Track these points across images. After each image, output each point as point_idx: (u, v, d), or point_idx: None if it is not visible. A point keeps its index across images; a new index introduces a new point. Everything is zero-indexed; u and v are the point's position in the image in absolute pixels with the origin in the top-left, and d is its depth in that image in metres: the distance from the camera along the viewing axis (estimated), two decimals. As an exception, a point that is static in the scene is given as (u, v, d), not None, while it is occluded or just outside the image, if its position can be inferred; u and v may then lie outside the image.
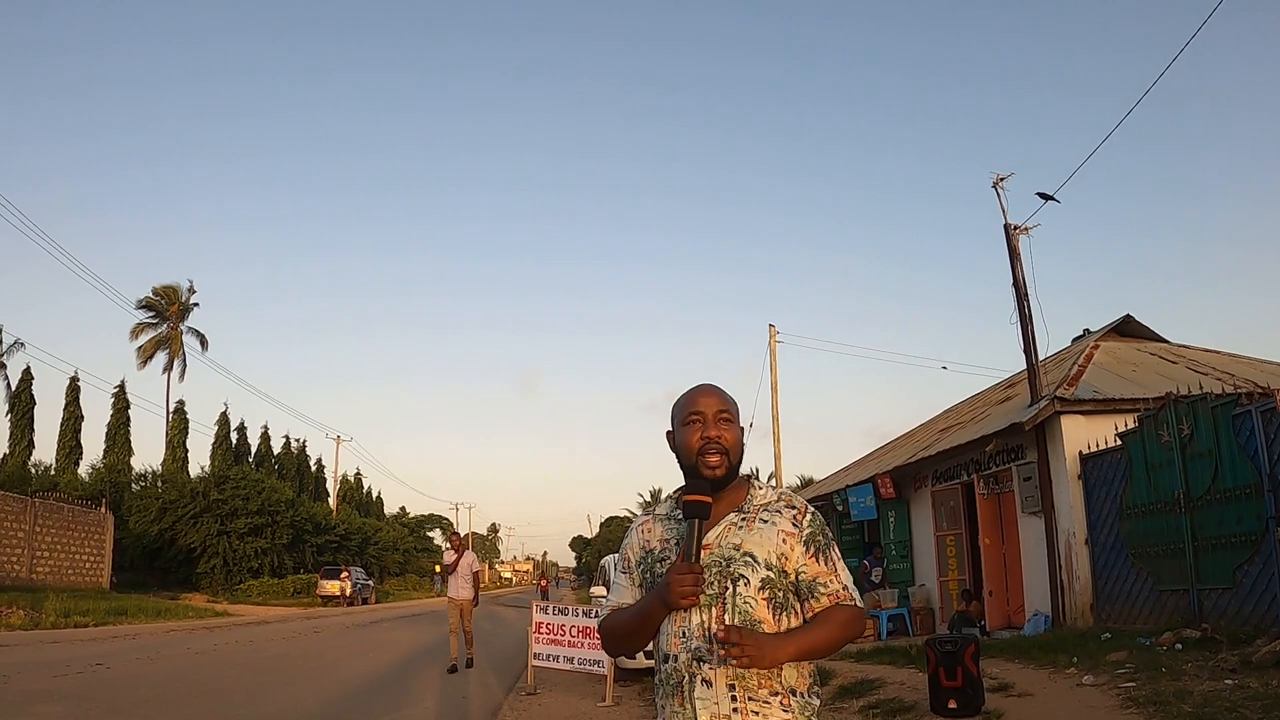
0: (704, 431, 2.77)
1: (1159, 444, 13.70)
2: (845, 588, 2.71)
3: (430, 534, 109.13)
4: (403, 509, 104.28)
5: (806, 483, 52.67)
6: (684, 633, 2.67)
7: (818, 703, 2.71)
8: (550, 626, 13.70)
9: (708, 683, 2.60)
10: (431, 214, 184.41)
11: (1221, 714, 7.94)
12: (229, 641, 23.27)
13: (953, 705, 9.72)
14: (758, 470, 59.94)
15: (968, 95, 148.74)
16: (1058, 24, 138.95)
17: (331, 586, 50.94)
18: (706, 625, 2.63)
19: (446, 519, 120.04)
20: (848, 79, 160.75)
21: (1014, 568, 18.17)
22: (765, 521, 2.73)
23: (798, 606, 2.71)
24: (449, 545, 18.54)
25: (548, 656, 13.62)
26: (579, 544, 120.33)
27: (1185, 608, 13.06)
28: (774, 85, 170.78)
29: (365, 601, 54.24)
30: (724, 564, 2.67)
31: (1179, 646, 11.35)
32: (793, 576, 2.70)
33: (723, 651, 2.50)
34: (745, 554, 2.67)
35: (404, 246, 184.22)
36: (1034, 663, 12.15)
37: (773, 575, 2.67)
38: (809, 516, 2.78)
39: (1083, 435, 15.76)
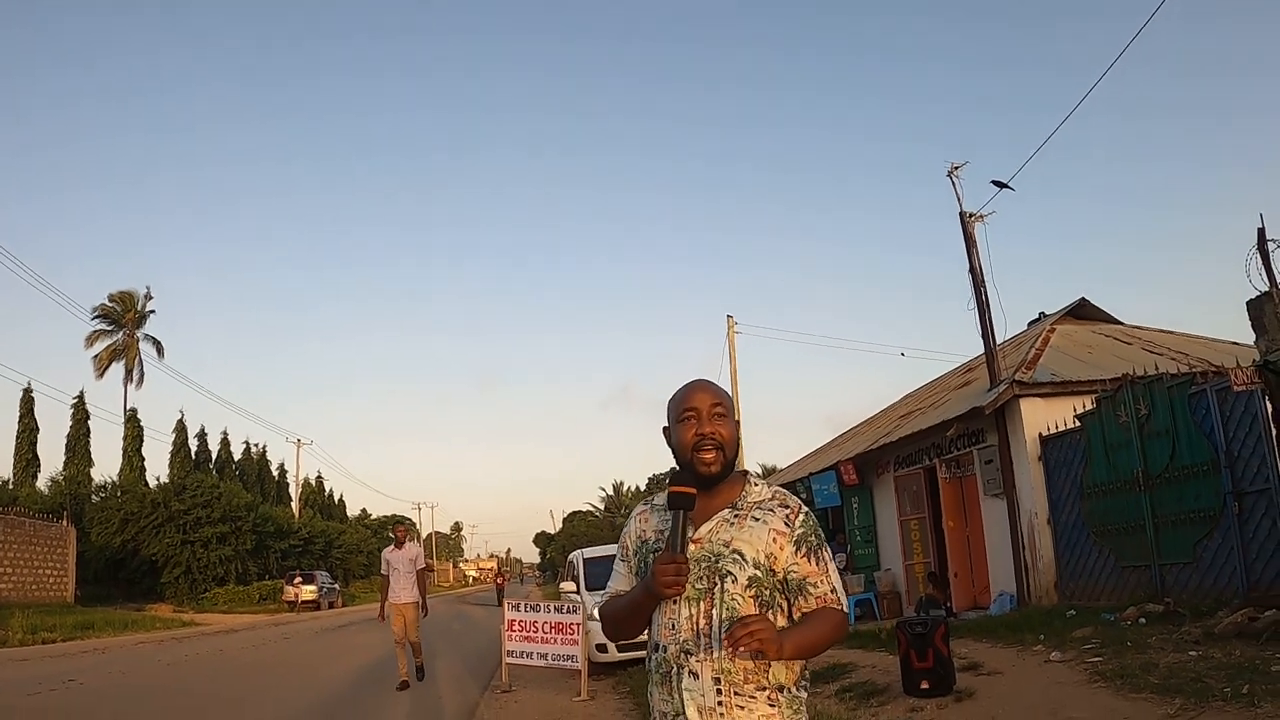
0: (699, 428, 2.79)
1: (1117, 424, 13.93)
2: (834, 590, 2.72)
3: (393, 535, 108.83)
4: (365, 511, 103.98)
5: (770, 471, 52.79)
6: (673, 625, 2.72)
7: (805, 695, 2.76)
8: (523, 624, 13.74)
9: (694, 674, 2.66)
10: (387, 216, 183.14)
11: (1187, 684, 8.13)
12: (199, 651, 23.16)
13: (925, 685, 9.88)
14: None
15: (923, 78, 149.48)
16: (1012, 3, 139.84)
17: (306, 592, 50.67)
18: (695, 619, 2.69)
19: (409, 519, 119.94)
20: (804, 63, 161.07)
21: (978, 549, 18.39)
22: (757, 520, 2.75)
23: (784, 605, 2.74)
24: (391, 536, 16.31)
25: (521, 654, 13.66)
26: (542, 540, 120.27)
27: (1147, 583, 13.31)
28: (728, 71, 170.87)
29: (332, 606, 54.01)
30: (713, 560, 2.71)
31: (1143, 621, 11.59)
32: (781, 575, 2.72)
33: (731, 640, 2.46)
34: (734, 551, 2.70)
35: (360, 249, 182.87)
36: (1001, 641, 12.36)
37: (760, 574, 2.69)
38: (802, 516, 2.77)
39: (1042, 417, 15.98)
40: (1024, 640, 11.99)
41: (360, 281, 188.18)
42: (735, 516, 2.77)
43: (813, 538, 2.75)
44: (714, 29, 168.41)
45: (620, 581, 3.04)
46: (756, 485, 2.87)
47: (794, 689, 2.71)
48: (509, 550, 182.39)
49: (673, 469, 2.96)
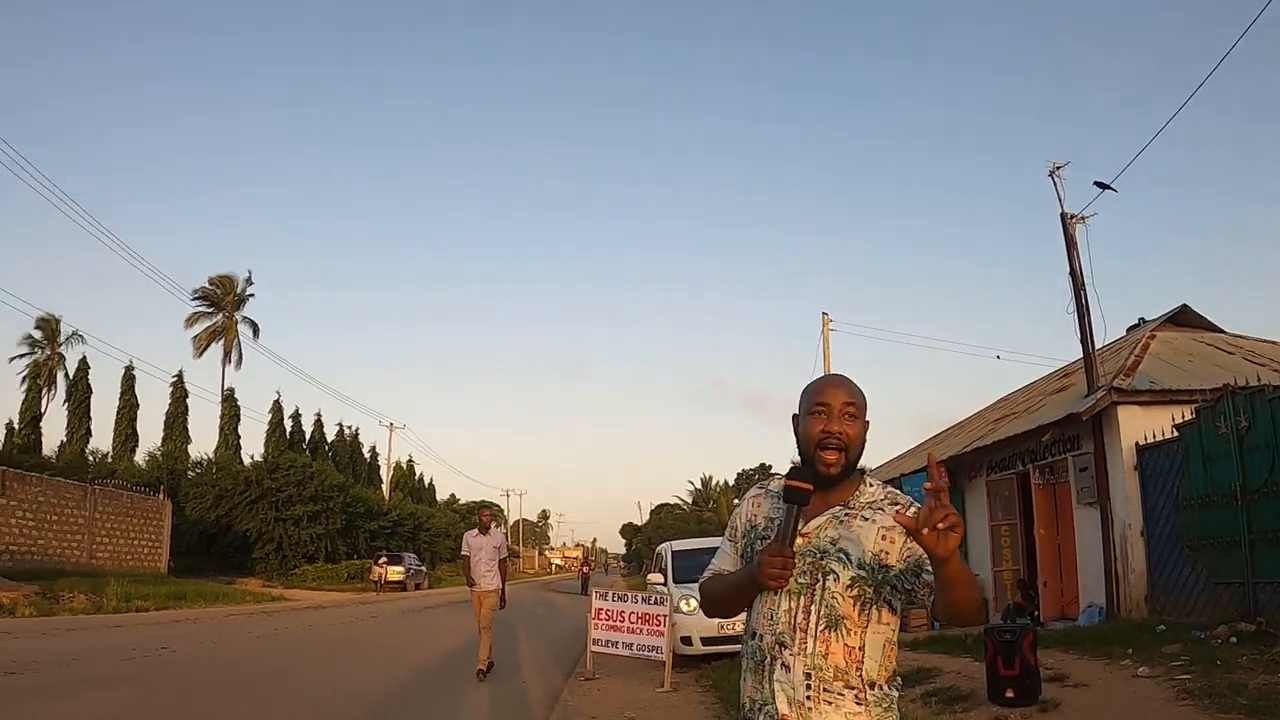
0: (826, 425, 2.78)
1: (1216, 436, 13.65)
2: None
3: (478, 520, 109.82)
4: (453, 495, 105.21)
5: (859, 471, 52.45)
6: (771, 615, 2.73)
7: (896, 694, 2.73)
8: (609, 613, 13.86)
9: (787, 667, 2.67)
10: (483, 202, 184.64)
11: (1276, 707, 8.00)
12: (288, 626, 23.64)
13: (1010, 694, 9.80)
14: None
15: (1025, 82, 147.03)
16: (1118, 6, 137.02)
17: (393, 572, 51.34)
18: (793, 613, 2.69)
19: (495, 504, 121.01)
20: (906, 62, 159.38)
21: (1069, 559, 18.13)
22: (866, 519, 2.73)
23: (895, 603, 2.70)
24: (478, 520, 15.29)
25: (606, 642, 13.78)
26: (629, 531, 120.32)
27: (1240, 601, 13.02)
28: (830, 72, 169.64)
29: (419, 587, 54.71)
30: (817, 555, 2.70)
31: (1234, 640, 11.35)
32: (898, 566, 2.66)
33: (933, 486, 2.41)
34: (840, 550, 2.69)
35: (455, 235, 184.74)
36: (1089, 654, 12.19)
37: (864, 574, 2.66)
38: (913, 509, 2.66)
39: (1139, 426, 15.70)
40: (1112, 654, 11.81)
41: (455, 268, 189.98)
42: (846, 515, 2.76)
43: None
44: (819, 29, 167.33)
45: (725, 560, 3.05)
46: (871, 486, 2.86)
47: (885, 686, 2.69)
48: (594, 540, 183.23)
49: (793, 462, 2.96)
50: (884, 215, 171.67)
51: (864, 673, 2.66)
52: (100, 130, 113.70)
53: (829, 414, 2.79)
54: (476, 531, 14.77)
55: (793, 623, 2.69)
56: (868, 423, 2.87)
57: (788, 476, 2.76)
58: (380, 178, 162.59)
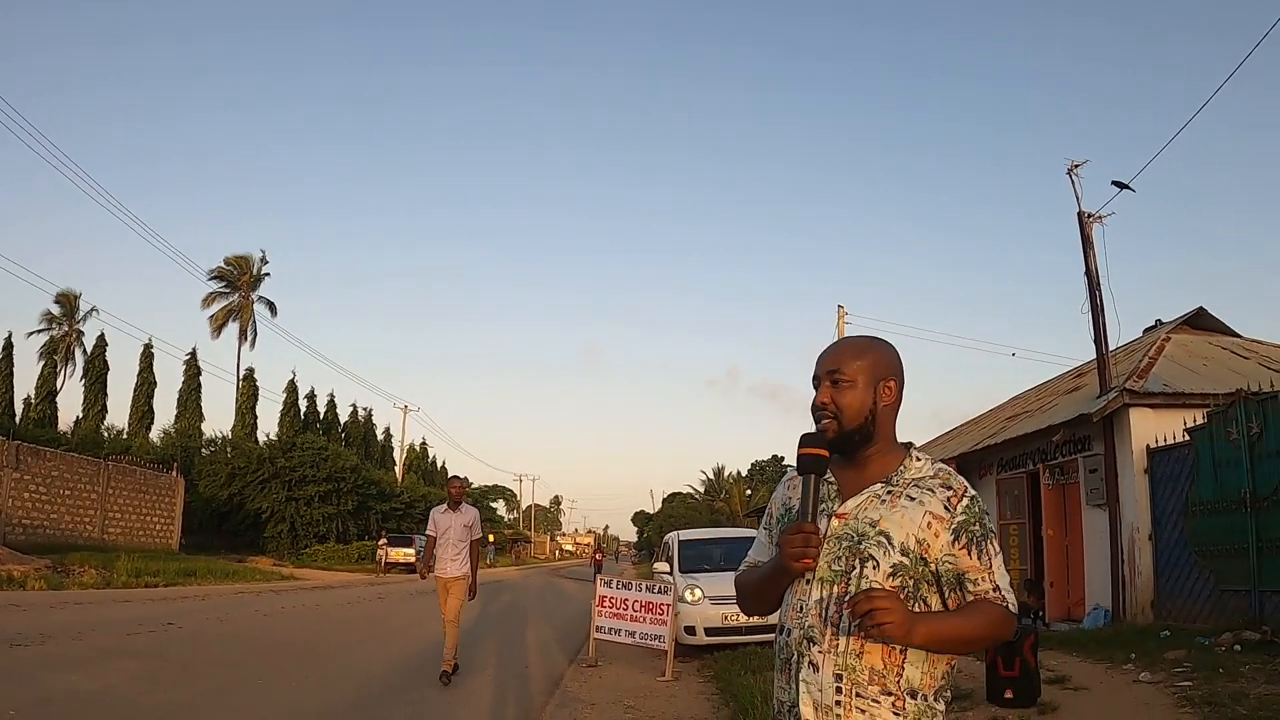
0: (818, 396, 2.60)
1: (1227, 441, 13.58)
2: (997, 588, 2.42)
3: (494, 505, 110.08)
4: (467, 479, 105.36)
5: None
6: (801, 607, 2.48)
7: (942, 707, 2.45)
8: (613, 600, 13.87)
9: (815, 666, 2.41)
10: (498, 191, 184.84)
11: (1277, 717, 7.96)
12: (296, 604, 23.73)
13: (1009, 695, 9.77)
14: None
15: (1046, 78, 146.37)
16: (1140, 4, 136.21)
17: (400, 554, 51.41)
18: (825, 604, 2.43)
19: (510, 489, 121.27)
20: (924, 53, 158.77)
21: (1076, 560, 18.10)
22: (913, 499, 2.46)
23: (931, 601, 2.46)
24: (447, 493, 12.83)
25: (610, 630, 13.79)
26: (641, 519, 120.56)
27: (1246, 609, 12.96)
28: (848, 67, 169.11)
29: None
30: (855, 540, 2.44)
31: (1238, 648, 11.32)
32: (934, 566, 2.43)
33: (856, 618, 2.29)
34: (880, 532, 2.42)
35: (470, 220, 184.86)
36: (1091, 657, 12.17)
37: (907, 562, 2.40)
38: (965, 501, 2.46)
39: (1151, 429, 15.64)
40: (1114, 657, 11.79)
41: (471, 250, 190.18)
42: (888, 493, 2.49)
43: (976, 526, 2.44)
44: (841, 34, 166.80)
45: (760, 551, 2.81)
46: (919, 460, 2.58)
47: (930, 697, 2.41)
48: (606, 527, 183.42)
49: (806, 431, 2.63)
50: (901, 211, 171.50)
51: (904, 679, 2.38)
52: (125, 115, 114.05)
53: (819, 385, 2.61)
54: (445, 507, 12.45)
55: (824, 615, 2.42)
56: (885, 386, 2.60)
57: (800, 444, 2.52)
58: (400, 163, 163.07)
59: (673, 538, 18.73)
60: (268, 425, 64.94)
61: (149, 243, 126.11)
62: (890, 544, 2.40)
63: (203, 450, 55.50)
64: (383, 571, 49.04)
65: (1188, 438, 14.59)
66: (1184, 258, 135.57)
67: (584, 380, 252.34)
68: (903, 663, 2.38)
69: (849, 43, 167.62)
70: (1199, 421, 14.40)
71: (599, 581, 14.41)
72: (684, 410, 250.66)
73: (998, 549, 2.48)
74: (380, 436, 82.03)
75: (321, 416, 71.76)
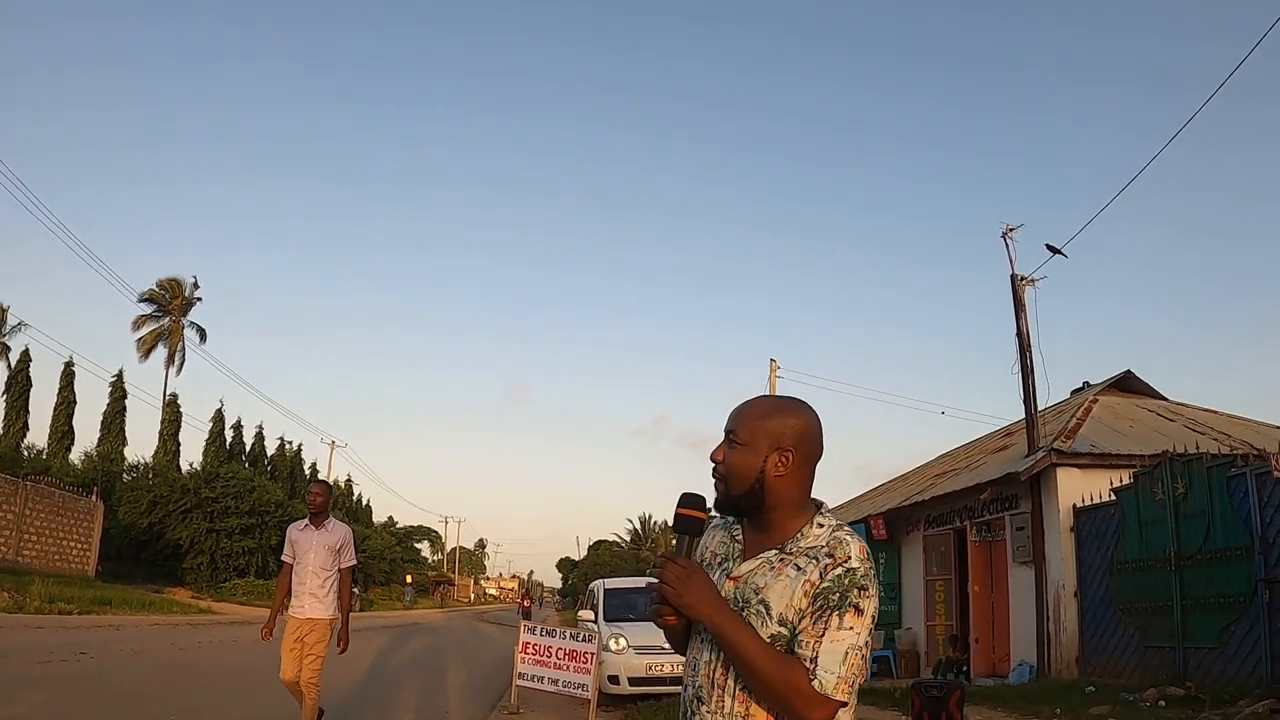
0: (714, 452, 2.49)
1: (1153, 501, 13.77)
2: (814, 661, 2.22)
3: (418, 545, 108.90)
4: (391, 519, 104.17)
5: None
6: (694, 666, 2.44)
7: None
8: (536, 647, 13.69)
9: None
10: (433, 220, 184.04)
11: (1201, 774, 7.99)
12: (213, 639, 23.25)
13: (935, 749, 9.76)
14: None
15: (983, 135, 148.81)
16: (1078, 68, 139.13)
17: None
18: (713, 665, 2.37)
19: (435, 531, 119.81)
20: (862, 107, 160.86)
21: (1001, 616, 18.20)
22: (799, 569, 2.32)
23: None
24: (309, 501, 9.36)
25: (532, 677, 13.60)
26: (566, 565, 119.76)
27: (1170, 665, 13.11)
28: (787, 108, 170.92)
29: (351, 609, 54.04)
30: (740, 606, 2.35)
31: (1162, 704, 11.41)
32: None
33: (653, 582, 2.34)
34: (762, 601, 2.32)
35: (407, 261, 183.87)
36: (1017, 712, 12.20)
37: (785, 633, 2.28)
38: (838, 571, 2.29)
39: (1077, 488, 15.84)
40: (1040, 712, 11.83)
41: (402, 295, 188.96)
42: (780, 560, 2.37)
43: (835, 595, 2.26)
44: (782, 66, 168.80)
45: None
46: (820, 527, 2.43)
47: None
48: (531, 572, 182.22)
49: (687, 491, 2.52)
50: (835, 269, 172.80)
51: None
52: (52, 114, 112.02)
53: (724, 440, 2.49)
54: (305, 522, 9.34)
55: (711, 677, 2.37)
56: (782, 455, 2.42)
57: (678, 503, 2.47)
58: (338, 203, 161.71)
59: (598, 586, 18.61)
60: (191, 454, 64.02)
61: (80, 258, 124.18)
62: (768, 614, 2.30)
63: (124, 476, 54.30)
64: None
65: (1114, 497, 14.79)
66: (1113, 320, 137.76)
67: (511, 425, 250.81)
68: None
69: (785, 99, 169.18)
70: (1125, 482, 14.59)
71: (523, 627, 14.24)
72: (611, 458, 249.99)
73: (852, 626, 2.24)
74: (306, 471, 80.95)
75: (248, 448, 70.70)
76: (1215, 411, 21.76)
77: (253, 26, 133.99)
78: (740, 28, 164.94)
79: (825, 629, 2.23)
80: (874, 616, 2.31)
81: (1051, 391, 20.12)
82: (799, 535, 2.40)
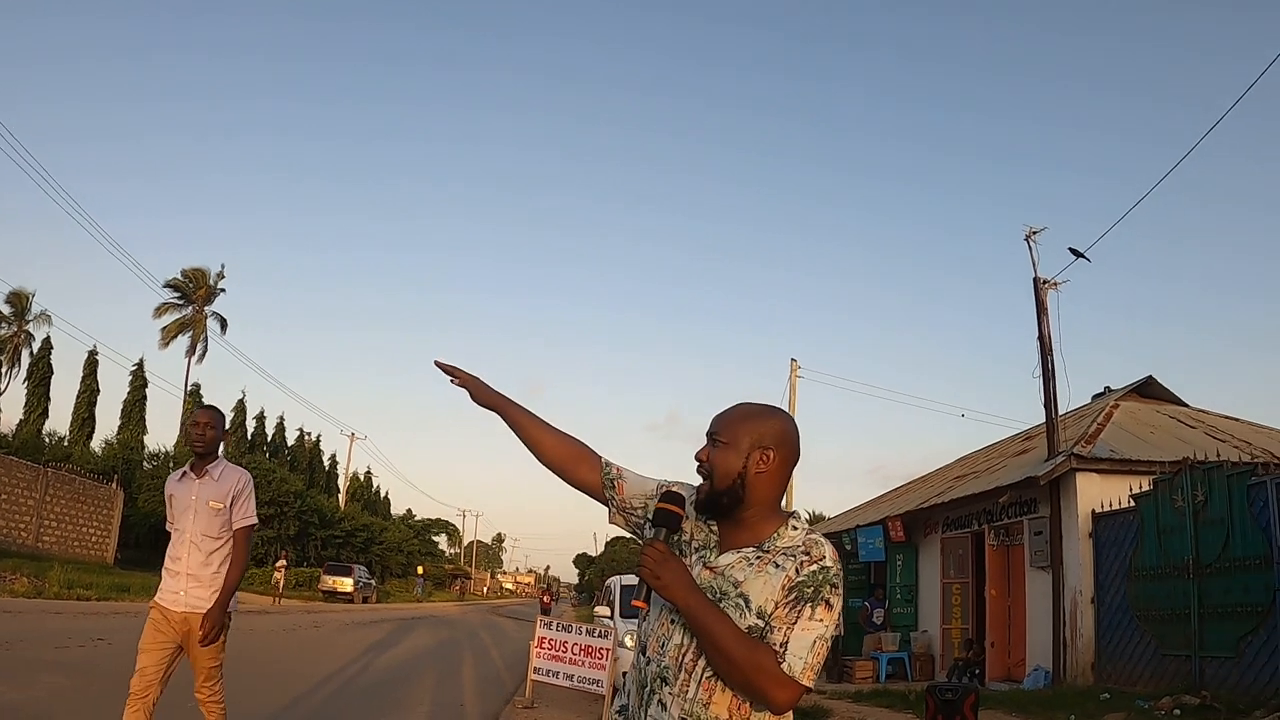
0: (699, 451, 2.63)
1: (1172, 508, 13.71)
2: (784, 646, 2.35)
3: (435, 538, 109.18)
4: (410, 511, 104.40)
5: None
6: (662, 644, 2.52)
7: None
8: (552, 642, 13.71)
9: (663, 705, 2.46)
10: (456, 222, 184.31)
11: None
12: (229, 627, 23.27)
13: (949, 753, 9.75)
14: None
15: (1009, 137, 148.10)
16: (1104, 76, 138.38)
17: (340, 584, 50.73)
18: (683, 649, 2.46)
19: (453, 524, 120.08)
20: (891, 113, 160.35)
21: (1018, 621, 18.14)
22: (778, 567, 2.44)
23: None
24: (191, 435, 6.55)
25: (547, 672, 13.62)
26: (583, 561, 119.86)
27: (1186, 674, 13.05)
28: (810, 112, 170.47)
29: (366, 600, 54.26)
30: (717, 595, 2.45)
31: (1177, 712, 11.36)
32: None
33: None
34: (741, 594, 2.43)
35: (423, 252, 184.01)
36: (1031, 717, 12.18)
37: (762, 625, 2.38)
38: (813, 567, 2.42)
39: (1097, 493, 15.77)
40: (1054, 718, 11.80)
41: (422, 290, 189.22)
42: (758, 558, 2.49)
43: (809, 589, 2.40)
44: (804, 72, 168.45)
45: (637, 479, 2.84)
46: (795, 530, 2.54)
47: None
48: (548, 567, 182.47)
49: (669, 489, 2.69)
50: (860, 264, 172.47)
51: None
52: (84, 108, 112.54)
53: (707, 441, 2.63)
54: (184, 470, 6.64)
55: (680, 660, 2.46)
56: (763, 454, 2.54)
57: (659, 498, 2.63)
58: (347, 185, 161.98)
59: (614, 582, 18.61)
60: (212, 443, 63.93)
61: (104, 246, 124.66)
62: (747, 607, 2.42)
63: (144, 464, 54.58)
64: (276, 599, 47.78)
65: (1133, 504, 14.72)
66: (1135, 326, 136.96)
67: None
68: (749, 715, 2.43)
69: (807, 104, 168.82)
70: (1145, 488, 14.52)
71: (539, 622, 14.26)
72: (625, 453, 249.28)
73: (822, 619, 2.38)
74: (326, 463, 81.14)
75: (268, 438, 70.99)
76: (1237, 419, 21.64)
77: (288, 22, 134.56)
78: (779, 33, 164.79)
79: (798, 618, 2.37)
80: (840, 613, 2.47)
81: (1072, 396, 20.01)
82: (776, 536, 2.53)
